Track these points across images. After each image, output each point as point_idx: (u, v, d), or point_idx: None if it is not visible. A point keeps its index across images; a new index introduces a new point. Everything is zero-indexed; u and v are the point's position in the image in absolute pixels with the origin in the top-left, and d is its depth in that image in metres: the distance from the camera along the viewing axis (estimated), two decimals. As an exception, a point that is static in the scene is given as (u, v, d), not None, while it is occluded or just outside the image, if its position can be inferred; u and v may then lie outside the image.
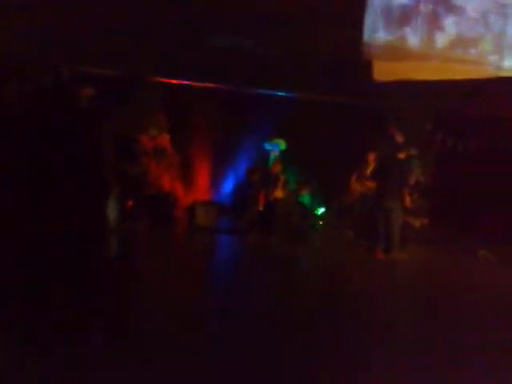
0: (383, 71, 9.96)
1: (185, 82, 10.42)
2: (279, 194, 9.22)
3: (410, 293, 6.49)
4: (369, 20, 9.95)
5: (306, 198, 9.89)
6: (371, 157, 9.56)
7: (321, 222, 10.05)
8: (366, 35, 10.04)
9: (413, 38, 9.65)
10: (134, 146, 8.94)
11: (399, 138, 10.00)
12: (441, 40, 9.44)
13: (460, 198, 9.70)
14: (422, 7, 9.46)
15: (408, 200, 8.38)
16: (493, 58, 9.29)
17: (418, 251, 8.84)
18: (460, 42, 9.34)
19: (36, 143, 9.12)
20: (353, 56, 9.73)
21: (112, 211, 8.12)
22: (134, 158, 8.86)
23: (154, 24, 9.02)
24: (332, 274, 7.28)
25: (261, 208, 9.20)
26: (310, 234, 9.11)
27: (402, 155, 8.39)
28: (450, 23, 9.29)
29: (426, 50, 9.57)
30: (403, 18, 9.59)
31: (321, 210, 10.21)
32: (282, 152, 10.17)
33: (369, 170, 9.53)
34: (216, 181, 10.81)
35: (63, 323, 4.09)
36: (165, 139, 9.74)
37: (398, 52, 9.92)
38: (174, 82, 10.41)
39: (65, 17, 8.74)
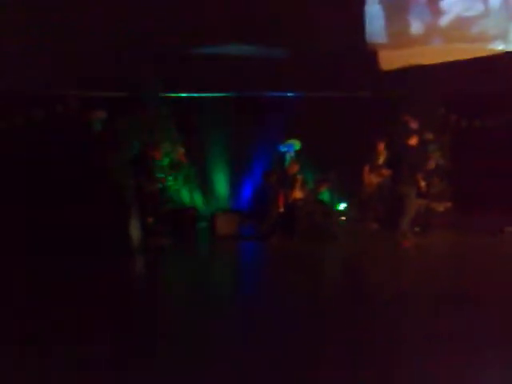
0: (390, 60, 9.91)
1: (193, 94, 10.51)
2: (298, 194, 9.18)
3: (445, 277, 6.41)
4: (370, 11, 9.92)
5: (325, 195, 9.85)
6: (381, 146, 9.50)
7: (343, 218, 10.00)
8: (369, 26, 10.01)
9: (415, 24, 9.58)
10: (150, 163, 9.02)
11: (413, 125, 9.96)
12: (443, 21, 9.35)
13: (481, 178, 9.57)
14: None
15: (423, 185, 8.28)
16: (495, 34, 9.16)
17: (443, 235, 8.72)
18: (461, 21, 9.24)
19: (52, 169, 9.31)
20: (358, 48, 9.70)
21: (135, 230, 8.23)
22: (151, 175, 8.93)
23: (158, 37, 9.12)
24: (362, 267, 7.24)
25: (282, 210, 9.17)
26: (334, 230, 9.04)
27: (413, 141, 8.29)
28: (448, 4, 9.21)
29: (430, 34, 9.50)
30: (402, 5, 9.55)
31: (342, 206, 10.16)
32: (297, 152, 10.15)
33: (381, 159, 9.47)
34: (234, 188, 10.84)
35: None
36: (179, 153, 9.81)
37: (402, 39, 9.86)
38: (183, 94, 10.52)
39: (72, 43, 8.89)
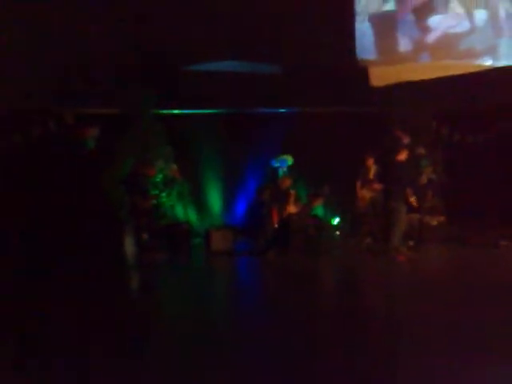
0: (381, 76, 10.00)
1: (186, 111, 10.55)
2: (292, 209, 9.20)
3: (439, 290, 6.42)
4: (359, 29, 10.04)
5: (319, 209, 9.89)
6: (370, 161, 9.56)
7: (337, 232, 10.02)
8: (360, 43, 10.12)
9: (403, 41, 9.73)
10: (143, 180, 9.03)
11: (405, 139, 10.06)
12: (430, 38, 9.52)
13: (475, 192, 9.66)
14: (407, 10, 9.57)
15: (413, 200, 8.37)
16: (482, 50, 9.34)
17: (438, 249, 8.76)
18: (448, 38, 9.41)
19: (45, 185, 9.29)
20: (350, 64, 9.80)
21: (129, 246, 8.22)
22: (145, 192, 8.94)
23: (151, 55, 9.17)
24: (356, 281, 7.25)
25: (276, 225, 9.19)
26: (328, 245, 9.06)
27: (402, 156, 8.40)
28: (436, 21, 9.38)
29: (418, 50, 9.65)
30: (390, 23, 9.70)
31: (336, 220, 10.19)
32: (289, 167, 10.19)
33: (371, 174, 9.52)
34: (228, 203, 10.84)
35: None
36: (173, 169, 9.82)
37: (392, 56, 9.99)
38: (176, 111, 10.56)
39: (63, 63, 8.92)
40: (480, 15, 9.15)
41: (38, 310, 5.77)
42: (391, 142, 9.85)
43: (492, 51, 9.42)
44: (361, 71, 9.88)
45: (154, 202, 9.18)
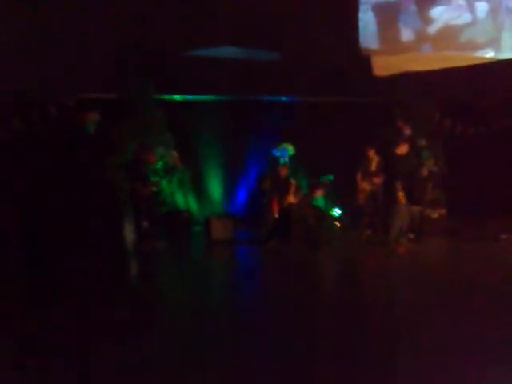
0: (383, 66, 9.97)
1: (188, 97, 10.47)
2: (292, 198, 9.17)
3: (437, 282, 6.42)
4: (362, 18, 9.98)
5: (319, 200, 9.84)
6: (371, 152, 9.48)
7: (337, 223, 10.00)
8: (363, 33, 10.06)
9: (406, 31, 9.70)
10: (144, 166, 8.97)
11: (407, 131, 10.01)
12: (432, 29, 9.49)
13: (476, 184, 9.65)
14: (410, 0, 9.55)
15: (400, 194, 8.30)
16: (483, 42, 9.33)
17: (438, 241, 8.75)
18: (450, 29, 9.39)
19: (44, 171, 9.23)
20: (353, 54, 9.74)
21: (129, 233, 8.17)
22: (145, 179, 8.89)
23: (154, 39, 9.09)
24: (355, 272, 7.25)
25: (276, 215, 9.16)
26: (328, 235, 9.05)
27: (402, 149, 8.35)
28: (438, 12, 9.35)
29: (420, 41, 9.63)
30: (393, 13, 9.65)
31: (336, 211, 10.16)
32: (291, 157, 10.14)
33: (373, 166, 9.47)
34: (229, 192, 10.81)
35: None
36: (173, 156, 9.77)
37: (394, 46, 9.96)
38: (177, 97, 10.48)
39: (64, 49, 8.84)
40: (481, 7, 9.14)
41: (36, 299, 5.76)
42: (392, 134, 9.82)
43: (493, 43, 9.42)
44: (363, 61, 9.83)
45: (154, 189, 9.12)
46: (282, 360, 4.04)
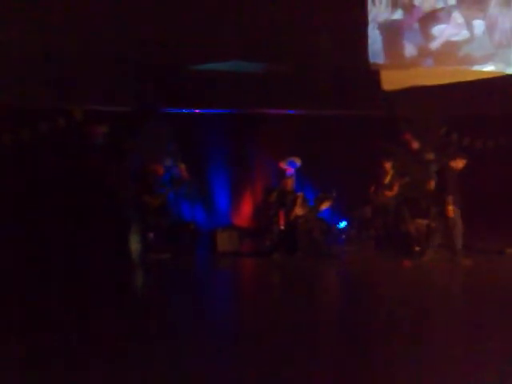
0: (388, 80, 10.07)
1: (195, 110, 10.53)
2: (299, 211, 9.17)
3: (444, 296, 6.39)
4: (370, 36, 10.15)
5: (326, 212, 9.85)
6: (388, 165, 9.55)
7: (343, 236, 9.99)
8: (370, 48, 10.19)
9: (409, 47, 10.02)
10: (153, 178, 9.03)
11: (414, 144, 10.03)
12: (434, 45, 9.82)
13: (483, 198, 9.61)
14: (413, 19, 9.87)
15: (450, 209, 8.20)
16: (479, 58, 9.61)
17: (445, 255, 8.67)
18: (449, 45, 9.71)
19: (52, 182, 9.32)
20: (358, 69, 9.80)
21: (134, 244, 8.22)
22: (154, 191, 8.94)
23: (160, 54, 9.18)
24: (360, 286, 7.22)
25: (282, 227, 9.16)
26: (333, 248, 9.04)
27: (459, 163, 8.34)
28: (439, 30, 9.70)
29: (423, 56, 9.90)
30: (398, 31, 9.94)
31: (342, 224, 10.15)
32: (297, 169, 10.16)
33: (387, 179, 9.51)
34: (235, 204, 10.82)
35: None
36: (180, 168, 9.81)
37: (398, 61, 10.15)
38: (185, 110, 10.54)
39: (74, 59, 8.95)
40: (478, 25, 9.59)
41: (40, 308, 5.79)
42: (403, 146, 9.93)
43: (491, 58, 9.71)
44: (370, 75, 9.89)
45: (162, 200, 9.15)
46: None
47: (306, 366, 4.14)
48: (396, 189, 9.41)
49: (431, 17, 9.78)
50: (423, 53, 9.91)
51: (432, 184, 9.55)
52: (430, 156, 10.32)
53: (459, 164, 8.37)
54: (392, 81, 9.69)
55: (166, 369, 4.07)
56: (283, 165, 10.26)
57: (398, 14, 9.79)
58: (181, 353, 4.44)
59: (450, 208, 8.11)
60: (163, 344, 4.64)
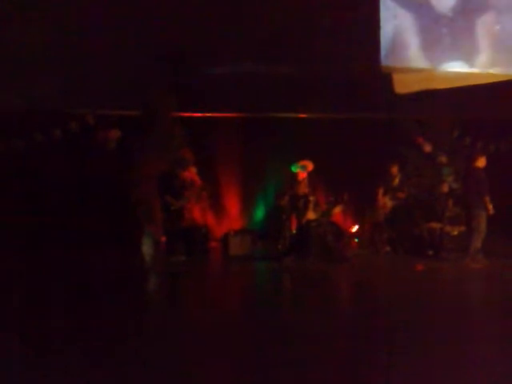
0: (402, 84, 10.02)
1: (207, 114, 10.55)
2: (311, 215, 9.14)
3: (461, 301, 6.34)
4: (383, 36, 10.10)
5: (338, 217, 9.82)
6: (395, 169, 9.51)
7: (356, 240, 9.96)
8: (382, 51, 10.15)
9: (422, 51, 9.96)
10: (177, 181, 9.07)
11: (427, 148, 9.98)
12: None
13: (497, 201, 9.52)
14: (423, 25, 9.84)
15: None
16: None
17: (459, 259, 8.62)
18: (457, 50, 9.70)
19: (66, 186, 9.37)
20: (372, 72, 9.76)
21: (147, 247, 8.23)
22: (177, 193, 8.99)
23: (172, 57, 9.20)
24: (373, 290, 7.19)
25: (294, 231, 9.14)
26: (345, 252, 9.00)
27: (481, 163, 8.43)
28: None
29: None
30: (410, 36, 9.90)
31: (354, 228, 10.12)
32: (309, 173, 10.14)
33: (395, 182, 9.48)
34: (247, 208, 10.82)
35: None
36: (192, 172, 9.82)
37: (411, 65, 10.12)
38: (197, 114, 10.56)
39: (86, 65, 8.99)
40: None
41: (54, 312, 5.81)
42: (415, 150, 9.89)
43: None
44: (382, 78, 9.85)
45: (185, 203, 9.16)
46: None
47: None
48: (406, 190, 9.35)
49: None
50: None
51: (445, 187, 9.52)
52: (443, 159, 10.28)
53: (482, 163, 8.37)
54: (405, 84, 9.63)
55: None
56: (295, 168, 10.25)
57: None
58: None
59: (490, 207, 8.08)
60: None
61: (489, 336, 4.91)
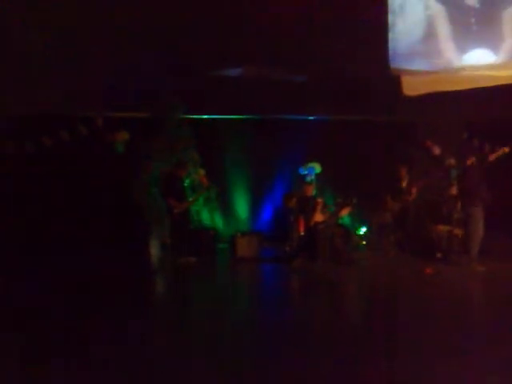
0: (411, 86, 9.98)
1: (215, 116, 10.58)
2: (319, 217, 9.12)
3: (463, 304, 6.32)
4: (392, 39, 10.06)
5: (346, 219, 9.81)
6: (403, 171, 9.49)
7: (364, 242, 9.94)
8: (390, 53, 10.11)
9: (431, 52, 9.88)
10: (179, 182, 9.09)
11: (436, 150, 9.94)
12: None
13: (505, 203, 9.49)
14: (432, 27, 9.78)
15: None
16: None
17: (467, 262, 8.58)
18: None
19: (75, 187, 9.42)
20: (380, 74, 9.74)
21: (155, 249, 8.27)
22: (181, 195, 9.00)
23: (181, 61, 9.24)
24: (380, 292, 7.17)
25: (302, 233, 9.14)
26: (353, 255, 8.99)
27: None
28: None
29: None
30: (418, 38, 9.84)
31: (362, 230, 10.10)
32: (317, 175, 10.14)
33: (403, 184, 9.46)
34: (255, 209, 10.83)
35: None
36: (200, 174, 9.85)
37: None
38: (205, 116, 10.59)
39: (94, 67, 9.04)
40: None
41: (61, 313, 5.84)
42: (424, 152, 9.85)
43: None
44: (391, 80, 9.83)
45: (189, 205, 9.17)
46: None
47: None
48: (415, 192, 9.33)
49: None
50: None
51: (453, 189, 9.47)
52: (451, 161, 10.24)
53: (473, 162, 8.39)
54: (414, 86, 9.60)
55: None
56: (303, 170, 10.27)
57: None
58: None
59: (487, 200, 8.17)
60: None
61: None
